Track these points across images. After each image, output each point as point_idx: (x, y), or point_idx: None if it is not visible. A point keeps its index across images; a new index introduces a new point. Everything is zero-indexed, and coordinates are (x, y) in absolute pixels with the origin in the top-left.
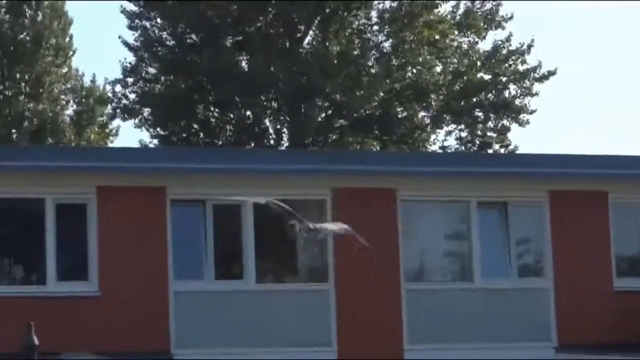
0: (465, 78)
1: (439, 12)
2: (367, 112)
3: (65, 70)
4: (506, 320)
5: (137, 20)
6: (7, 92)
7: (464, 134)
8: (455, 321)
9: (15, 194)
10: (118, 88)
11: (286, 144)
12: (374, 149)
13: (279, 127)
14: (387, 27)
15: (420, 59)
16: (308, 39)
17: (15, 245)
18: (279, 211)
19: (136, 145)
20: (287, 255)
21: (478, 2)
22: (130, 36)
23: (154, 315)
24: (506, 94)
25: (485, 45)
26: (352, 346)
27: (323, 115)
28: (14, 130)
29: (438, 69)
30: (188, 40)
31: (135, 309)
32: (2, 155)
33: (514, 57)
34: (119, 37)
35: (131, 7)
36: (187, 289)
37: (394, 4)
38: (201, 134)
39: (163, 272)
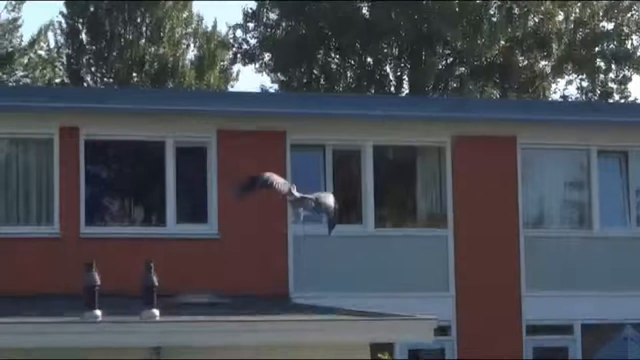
0: (587, 27)
1: None
2: (488, 60)
3: (185, 14)
4: (624, 269)
5: None
6: (128, 36)
7: (584, 84)
8: (573, 268)
9: (137, 136)
10: (239, 33)
11: (406, 91)
12: (494, 97)
13: (399, 73)
14: None
15: (542, 8)
16: None
17: (136, 186)
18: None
19: (257, 90)
20: (407, 200)
21: None
22: None
23: (272, 257)
24: (628, 44)
25: None
26: (469, 292)
27: (443, 62)
28: (134, 74)
29: (560, 17)
30: None
31: (254, 251)
32: (124, 98)
33: (636, 7)
34: None
35: None
36: (307, 233)
37: None
38: (321, 80)
39: (282, 214)
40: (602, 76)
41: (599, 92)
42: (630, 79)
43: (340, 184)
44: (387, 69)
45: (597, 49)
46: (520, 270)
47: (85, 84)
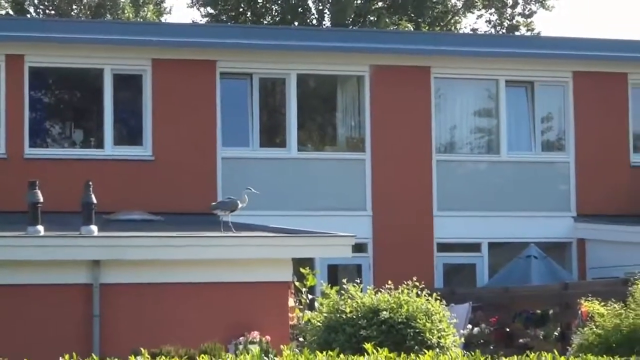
0: None
1: None
2: None
3: None
4: (529, 191)
5: None
6: None
7: (493, 18)
8: (482, 191)
9: (78, 64)
10: None
11: (328, 24)
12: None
13: (321, 7)
14: None
15: None
16: None
17: (76, 111)
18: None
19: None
20: (328, 126)
21: None
22: None
23: (202, 178)
24: None
25: None
26: (385, 212)
27: None
28: (74, 7)
29: None
30: None
31: (186, 173)
32: (66, 28)
33: None
34: None
35: None
36: (234, 155)
37: None
38: (248, 13)
39: (212, 139)
40: (509, 10)
41: (506, 25)
42: (535, 12)
43: (266, 110)
44: (310, 2)
45: None
46: (433, 192)
47: (29, 15)
